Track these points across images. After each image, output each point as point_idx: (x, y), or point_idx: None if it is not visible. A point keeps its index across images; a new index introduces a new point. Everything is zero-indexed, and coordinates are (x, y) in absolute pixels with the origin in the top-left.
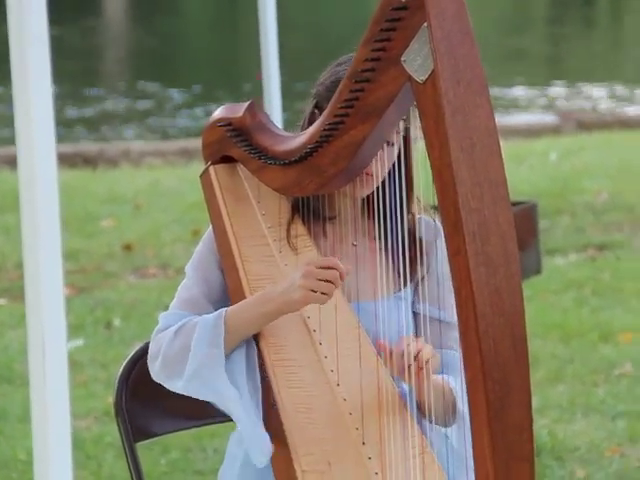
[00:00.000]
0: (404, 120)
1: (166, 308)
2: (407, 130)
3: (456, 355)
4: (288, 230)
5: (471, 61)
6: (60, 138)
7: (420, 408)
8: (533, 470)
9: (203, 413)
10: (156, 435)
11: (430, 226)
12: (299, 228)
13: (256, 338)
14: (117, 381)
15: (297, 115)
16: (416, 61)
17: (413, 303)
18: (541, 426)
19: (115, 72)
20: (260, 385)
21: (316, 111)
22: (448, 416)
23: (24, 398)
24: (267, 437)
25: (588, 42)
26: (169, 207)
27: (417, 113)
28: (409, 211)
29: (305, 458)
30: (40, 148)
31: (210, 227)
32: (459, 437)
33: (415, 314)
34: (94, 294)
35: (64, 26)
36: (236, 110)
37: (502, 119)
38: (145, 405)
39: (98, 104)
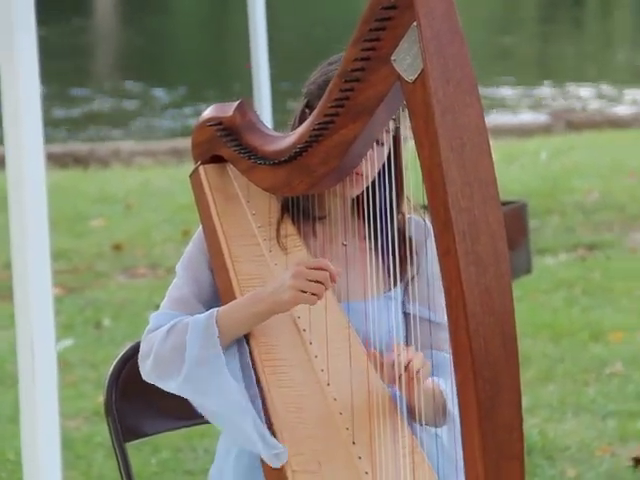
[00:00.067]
0: (394, 120)
1: (156, 308)
2: (397, 130)
3: (446, 356)
4: (278, 230)
5: (461, 60)
6: (48, 138)
7: (411, 412)
8: (523, 469)
9: (193, 413)
10: (146, 435)
11: (420, 226)
12: (289, 228)
13: (246, 338)
14: (107, 380)
15: (285, 115)
16: (406, 60)
17: (403, 303)
18: (532, 425)
19: (103, 72)
20: (256, 384)
21: (307, 110)
22: (438, 418)
23: (14, 398)
24: (275, 441)
25: (577, 42)
26: (159, 207)
27: (407, 113)
28: (399, 211)
29: (295, 458)
30: (28, 148)
31: (200, 227)
32: (450, 438)
33: (405, 314)
34: (84, 294)
35: (53, 26)
36: (226, 110)
37: (492, 119)
38: (135, 405)
39: (86, 104)
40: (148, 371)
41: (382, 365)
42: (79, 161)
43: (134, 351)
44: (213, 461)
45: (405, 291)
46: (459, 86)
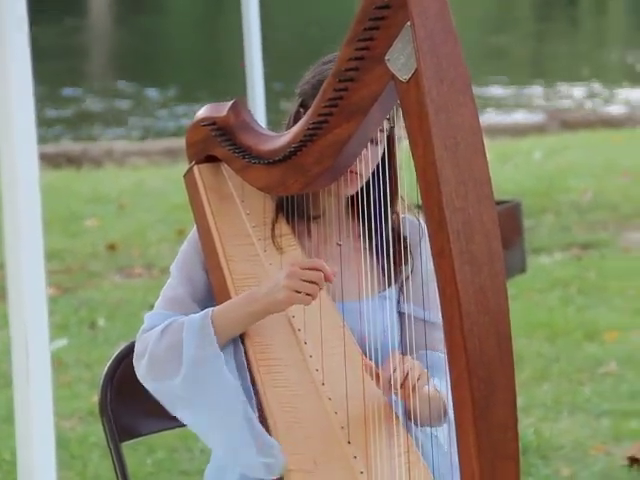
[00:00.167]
0: (388, 119)
1: (151, 308)
2: (391, 129)
3: (441, 356)
4: (273, 229)
5: (454, 60)
6: (41, 138)
7: (410, 416)
8: (518, 469)
9: None
10: (141, 435)
11: (414, 225)
12: (283, 227)
13: (241, 337)
14: (102, 380)
15: (278, 114)
16: (399, 60)
17: (398, 303)
18: (526, 425)
19: (96, 72)
20: (251, 385)
21: (301, 110)
22: (437, 419)
23: (8, 398)
24: (276, 444)
25: (571, 41)
26: (153, 207)
27: (401, 112)
28: (394, 210)
29: (291, 457)
30: (21, 149)
31: (195, 227)
32: (447, 437)
33: (400, 314)
34: (78, 294)
35: (47, 26)
36: (220, 109)
37: (486, 118)
38: (130, 405)
39: (78, 104)
40: (143, 373)
41: (377, 376)
42: (72, 161)
43: (129, 351)
44: (209, 461)
45: (400, 291)
46: (453, 85)
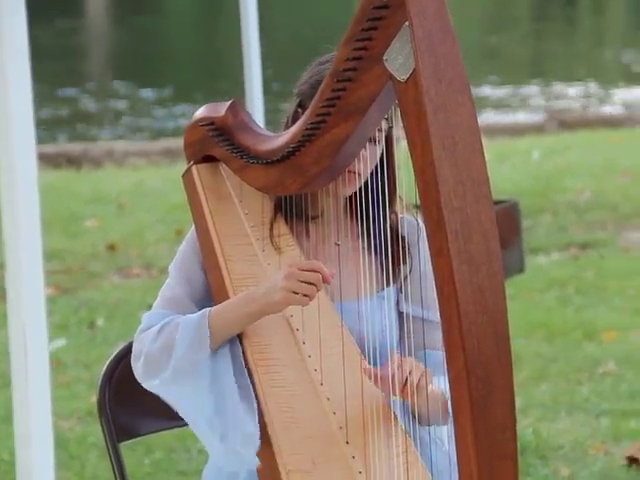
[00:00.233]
0: (386, 119)
1: (149, 308)
2: (389, 129)
3: (441, 355)
4: (271, 229)
5: (452, 60)
6: (40, 139)
7: (414, 417)
8: (517, 469)
9: None
10: (140, 435)
11: (413, 225)
12: (282, 227)
13: (239, 337)
14: (100, 380)
15: (274, 115)
16: (398, 60)
17: (398, 302)
18: (525, 425)
19: (93, 72)
20: (250, 383)
21: (299, 110)
22: (441, 418)
23: (7, 398)
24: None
25: (568, 41)
26: (153, 207)
27: (399, 112)
28: (392, 210)
29: (289, 458)
30: (20, 149)
31: (193, 226)
32: (450, 436)
33: (399, 314)
34: (78, 294)
35: (45, 26)
36: (218, 109)
37: (485, 118)
38: (128, 405)
39: (76, 104)
40: (140, 373)
41: (377, 378)
42: (72, 161)
43: (127, 351)
44: (206, 462)
45: (399, 291)
46: (451, 85)
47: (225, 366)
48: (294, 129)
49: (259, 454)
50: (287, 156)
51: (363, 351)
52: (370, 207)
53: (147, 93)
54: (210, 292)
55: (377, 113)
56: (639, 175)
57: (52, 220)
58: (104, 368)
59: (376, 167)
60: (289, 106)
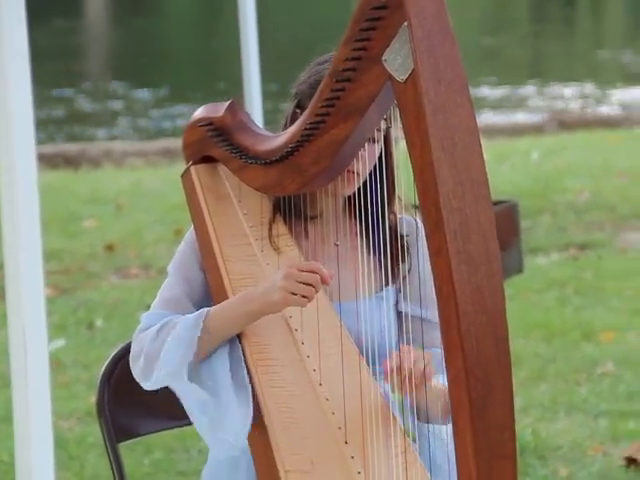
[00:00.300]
0: (385, 120)
1: (148, 308)
2: (388, 128)
3: (440, 354)
4: (270, 229)
5: (451, 60)
6: (37, 139)
7: (419, 413)
8: (515, 469)
9: (187, 413)
10: (139, 435)
11: (411, 225)
12: (281, 227)
13: (239, 337)
14: (99, 380)
15: (273, 115)
16: (397, 60)
17: (397, 302)
18: (524, 425)
19: (92, 73)
20: (249, 383)
21: (298, 110)
22: (443, 416)
23: (7, 399)
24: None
25: (567, 42)
26: (151, 207)
27: (398, 112)
28: (391, 210)
29: (288, 458)
30: (20, 150)
31: (192, 227)
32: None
33: (399, 313)
34: (76, 295)
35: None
36: (217, 110)
37: (483, 118)
38: (128, 405)
39: (73, 105)
40: (140, 372)
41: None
42: (70, 162)
43: (126, 351)
44: (206, 462)
45: (398, 290)
46: (450, 86)
47: (222, 364)
48: (293, 129)
49: (257, 454)
50: (286, 156)
51: (362, 351)
52: (369, 207)
53: (145, 94)
54: (209, 292)
55: (376, 113)
56: (637, 176)
57: (50, 220)
58: (103, 368)
59: (375, 167)
60: (287, 106)
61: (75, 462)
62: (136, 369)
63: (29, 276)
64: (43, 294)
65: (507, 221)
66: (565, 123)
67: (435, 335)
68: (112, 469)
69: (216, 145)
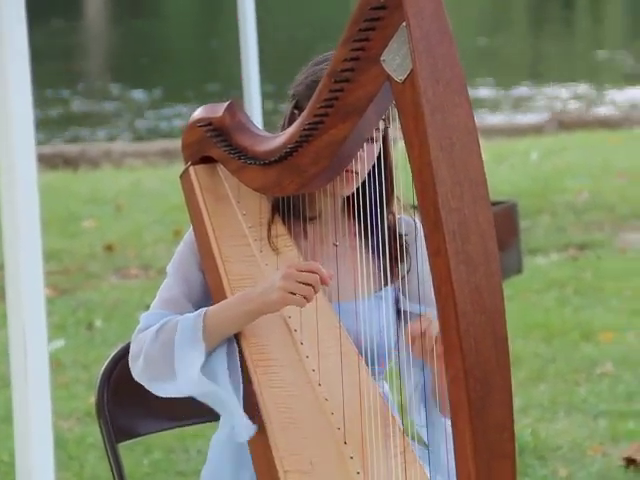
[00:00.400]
0: (384, 120)
1: (147, 309)
2: (386, 128)
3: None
4: (269, 230)
5: (450, 60)
6: (37, 140)
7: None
8: (515, 469)
9: (186, 413)
10: (138, 435)
11: (410, 225)
12: (280, 228)
13: (237, 338)
14: (98, 381)
15: (273, 116)
16: (395, 60)
17: (397, 301)
18: (523, 425)
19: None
20: (242, 384)
21: (296, 111)
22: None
23: (7, 399)
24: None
25: (567, 43)
26: (150, 208)
27: (397, 113)
28: (390, 210)
29: (287, 458)
30: (20, 150)
31: (191, 227)
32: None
33: (398, 312)
34: (76, 295)
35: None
36: (216, 110)
37: (482, 118)
38: (127, 405)
39: (71, 105)
40: (139, 372)
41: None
42: (69, 162)
43: (125, 351)
44: (205, 462)
45: (397, 289)
46: (448, 86)
47: (220, 363)
48: (292, 130)
49: (257, 454)
50: (285, 157)
51: (361, 351)
52: (367, 206)
53: (144, 94)
54: (208, 293)
55: (375, 114)
56: (636, 176)
57: (50, 221)
58: (102, 369)
59: (373, 166)
60: (286, 107)
61: (75, 462)
62: (136, 368)
63: (29, 276)
64: (43, 294)
65: (506, 221)
66: (564, 123)
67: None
68: (111, 469)
69: (215, 145)
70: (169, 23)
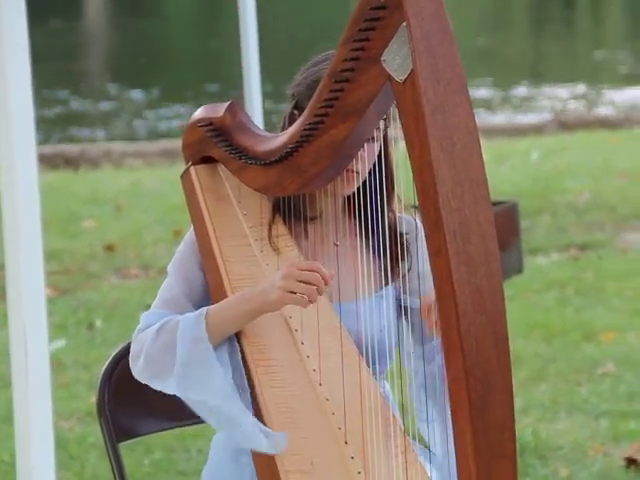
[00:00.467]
0: (384, 120)
1: (148, 308)
2: (386, 128)
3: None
4: (269, 230)
5: (450, 60)
6: (37, 140)
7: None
8: (515, 469)
9: (186, 413)
10: (139, 435)
11: (411, 224)
12: (280, 228)
13: (238, 338)
14: (99, 381)
15: (273, 116)
16: (395, 61)
17: (397, 299)
18: (524, 425)
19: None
20: (247, 384)
21: (296, 111)
22: None
23: (7, 399)
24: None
25: (567, 43)
26: (150, 208)
27: (397, 113)
28: (390, 209)
29: (288, 458)
30: (20, 150)
31: (191, 227)
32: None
33: (399, 311)
34: (77, 295)
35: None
36: (216, 110)
37: (482, 118)
38: (128, 405)
39: (70, 105)
40: (140, 371)
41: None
42: (69, 162)
43: (126, 351)
44: (206, 462)
45: (397, 288)
46: (449, 86)
47: (224, 364)
48: (292, 130)
49: (257, 454)
50: (285, 157)
51: (361, 351)
52: (368, 206)
53: (145, 94)
54: (208, 292)
55: (375, 114)
56: (637, 176)
57: (50, 221)
58: (103, 369)
59: (374, 166)
60: (286, 107)
61: (75, 462)
62: (136, 367)
63: (30, 276)
64: (44, 294)
65: (507, 221)
66: (565, 123)
67: None
68: (112, 469)
69: (216, 145)
70: (169, 23)
